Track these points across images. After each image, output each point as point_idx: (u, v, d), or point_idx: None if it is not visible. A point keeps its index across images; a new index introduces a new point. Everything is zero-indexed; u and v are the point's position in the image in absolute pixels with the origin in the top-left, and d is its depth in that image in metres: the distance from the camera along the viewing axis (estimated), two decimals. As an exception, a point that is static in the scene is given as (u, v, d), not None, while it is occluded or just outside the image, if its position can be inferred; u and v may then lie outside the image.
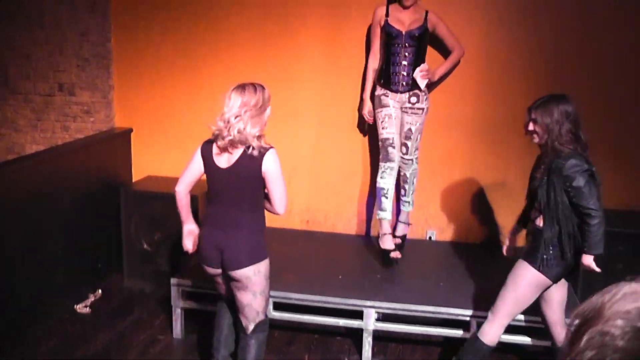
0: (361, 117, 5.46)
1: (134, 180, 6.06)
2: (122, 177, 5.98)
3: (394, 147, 5.06)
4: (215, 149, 3.69)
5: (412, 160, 5.25)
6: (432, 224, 5.77)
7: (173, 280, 4.83)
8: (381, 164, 5.11)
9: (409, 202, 5.42)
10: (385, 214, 5.12)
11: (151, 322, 5.19)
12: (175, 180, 3.89)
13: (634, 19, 5.26)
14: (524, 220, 4.03)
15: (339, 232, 5.90)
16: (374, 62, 5.22)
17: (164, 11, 5.84)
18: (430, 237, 5.77)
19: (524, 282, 3.81)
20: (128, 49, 5.97)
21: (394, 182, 5.14)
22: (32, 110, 6.19)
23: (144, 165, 6.07)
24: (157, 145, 6.02)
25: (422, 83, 5.04)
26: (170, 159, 5.86)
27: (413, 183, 5.36)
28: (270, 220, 4.02)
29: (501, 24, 5.42)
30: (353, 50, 5.58)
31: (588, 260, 3.65)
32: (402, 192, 5.40)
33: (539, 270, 3.74)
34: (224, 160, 3.68)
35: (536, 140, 3.74)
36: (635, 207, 5.34)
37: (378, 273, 5.05)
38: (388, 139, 5.07)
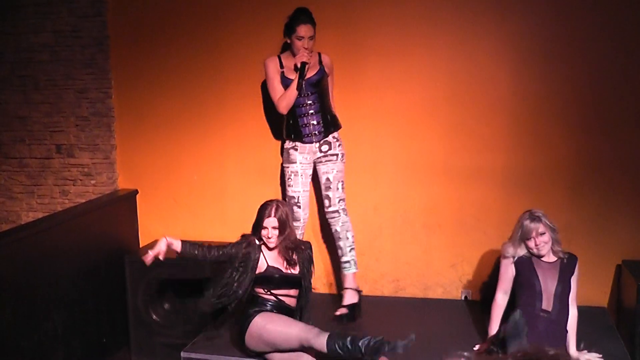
0: None
1: (140, 246, 5.90)
2: (128, 243, 5.84)
3: (299, 207, 4.99)
4: None
5: (338, 212, 5.04)
6: (467, 283, 5.41)
7: (184, 354, 4.56)
8: None
9: (349, 263, 5.07)
10: None
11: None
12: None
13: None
14: None
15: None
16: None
17: (167, 64, 5.75)
18: (465, 297, 5.39)
19: None
20: (130, 105, 5.88)
21: None
22: (27, 175, 6.14)
23: (152, 228, 5.91)
24: (164, 206, 5.90)
25: None
26: (180, 220, 5.81)
27: (348, 238, 5.05)
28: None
29: (532, 60, 5.10)
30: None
31: None
32: (339, 252, 5.11)
33: None
34: None
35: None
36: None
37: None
38: (293, 197, 5.02)
